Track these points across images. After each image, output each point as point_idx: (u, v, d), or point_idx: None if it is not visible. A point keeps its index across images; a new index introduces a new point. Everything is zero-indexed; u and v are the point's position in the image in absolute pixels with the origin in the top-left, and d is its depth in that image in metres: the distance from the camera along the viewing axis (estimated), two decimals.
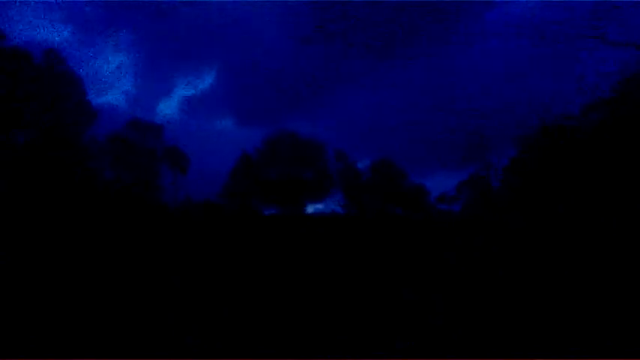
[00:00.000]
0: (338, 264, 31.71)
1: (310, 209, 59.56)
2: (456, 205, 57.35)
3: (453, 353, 15.48)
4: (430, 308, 20.71)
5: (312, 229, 47.93)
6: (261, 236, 43.34)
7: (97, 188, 38.89)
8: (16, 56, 38.65)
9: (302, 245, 38.89)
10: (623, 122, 31.24)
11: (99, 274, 24.34)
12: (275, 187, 57.40)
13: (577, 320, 18.09)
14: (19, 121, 37.51)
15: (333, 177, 59.71)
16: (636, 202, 29.68)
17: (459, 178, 56.98)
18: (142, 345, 15.81)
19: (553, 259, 27.37)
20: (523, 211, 36.94)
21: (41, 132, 38.53)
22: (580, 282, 23.26)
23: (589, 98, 35.21)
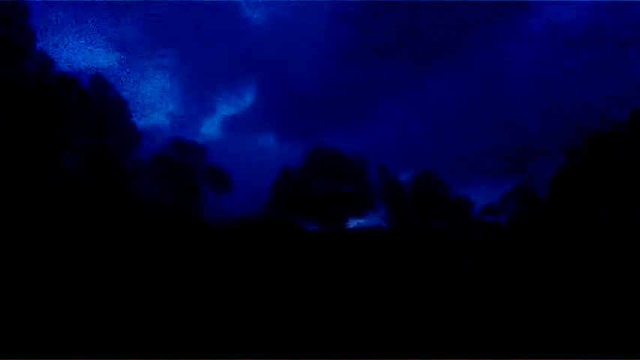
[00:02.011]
0: (381, 278, 31.30)
1: (352, 224, 59.29)
2: (501, 217, 56.12)
3: None
4: (472, 321, 20.16)
5: (355, 244, 47.56)
6: (303, 251, 43.28)
7: (141, 207, 39.73)
8: (64, 81, 40.15)
9: (344, 260, 38.58)
10: None
11: (143, 292, 24.71)
12: (316, 203, 57.39)
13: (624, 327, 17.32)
14: (68, 144, 38.84)
15: (375, 191, 59.36)
16: None
17: (503, 189, 55.77)
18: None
19: (597, 270, 26.33)
20: (570, 221, 35.75)
21: (89, 154, 39.80)
22: (627, 293, 22.30)
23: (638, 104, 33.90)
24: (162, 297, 24.38)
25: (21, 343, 16.58)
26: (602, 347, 16.15)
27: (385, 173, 61.42)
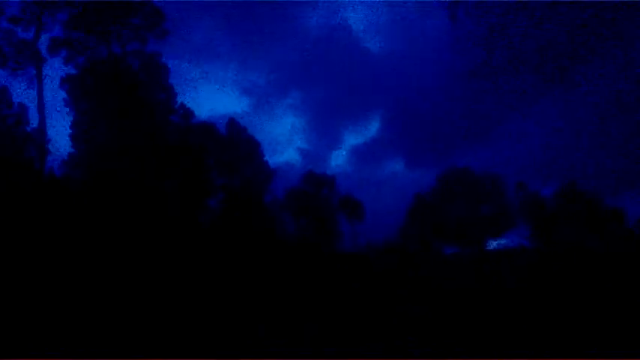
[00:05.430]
0: (529, 300, 29.61)
1: (493, 245, 56.92)
2: None
3: None
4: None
5: (498, 265, 45.56)
6: (444, 274, 42.25)
7: (281, 240, 41.35)
8: (203, 130, 43.62)
9: (488, 282, 37.15)
10: None
11: (289, 325, 25.46)
12: (453, 225, 55.99)
13: None
14: (210, 187, 41.85)
15: (515, 209, 56.67)
16: None
17: None
18: None
19: None
20: None
21: (229, 194, 42.57)
22: None
23: None
24: (316, 329, 24.92)
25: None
26: None
27: (524, 189, 58.50)
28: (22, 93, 37.65)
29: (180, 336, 21.71)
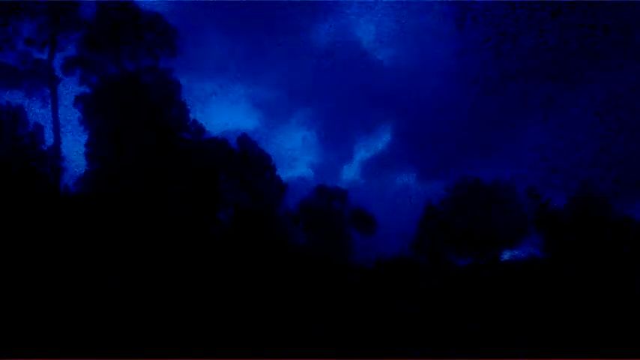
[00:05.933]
0: (543, 313, 29.46)
1: (506, 256, 56.51)
2: None
3: None
4: None
5: (512, 276, 45.23)
6: (456, 288, 42.03)
7: (292, 252, 41.44)
8: (215, 146, 44.04)
9: (503, 294, 36.93)
10: None
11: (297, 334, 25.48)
12: (466, 236, 55.75)
13: None
14: (221, 201, 42.15)
15: (527, 219, 56.29)
16: None
17: None
18: None
19: None
20: None
21: (240, 209, 42.83)
22: None
23: None
24: (324, 341, 24.94)
25: None
26: None
27: (536, 199, 58.14)
28: (37, 112, 38.21)
29: (191, 342, 21.89)
